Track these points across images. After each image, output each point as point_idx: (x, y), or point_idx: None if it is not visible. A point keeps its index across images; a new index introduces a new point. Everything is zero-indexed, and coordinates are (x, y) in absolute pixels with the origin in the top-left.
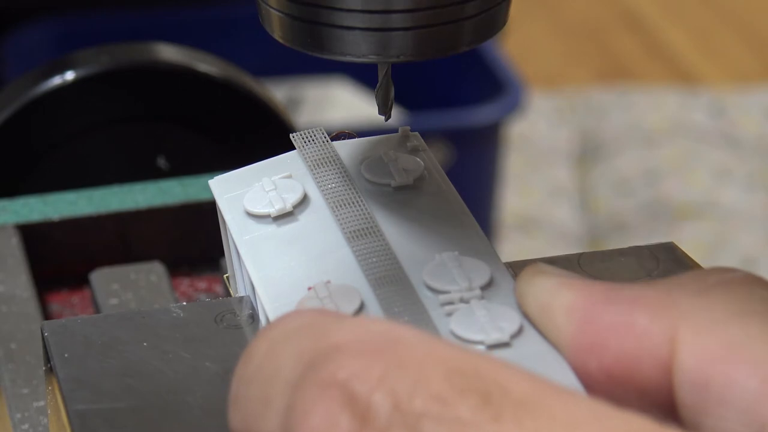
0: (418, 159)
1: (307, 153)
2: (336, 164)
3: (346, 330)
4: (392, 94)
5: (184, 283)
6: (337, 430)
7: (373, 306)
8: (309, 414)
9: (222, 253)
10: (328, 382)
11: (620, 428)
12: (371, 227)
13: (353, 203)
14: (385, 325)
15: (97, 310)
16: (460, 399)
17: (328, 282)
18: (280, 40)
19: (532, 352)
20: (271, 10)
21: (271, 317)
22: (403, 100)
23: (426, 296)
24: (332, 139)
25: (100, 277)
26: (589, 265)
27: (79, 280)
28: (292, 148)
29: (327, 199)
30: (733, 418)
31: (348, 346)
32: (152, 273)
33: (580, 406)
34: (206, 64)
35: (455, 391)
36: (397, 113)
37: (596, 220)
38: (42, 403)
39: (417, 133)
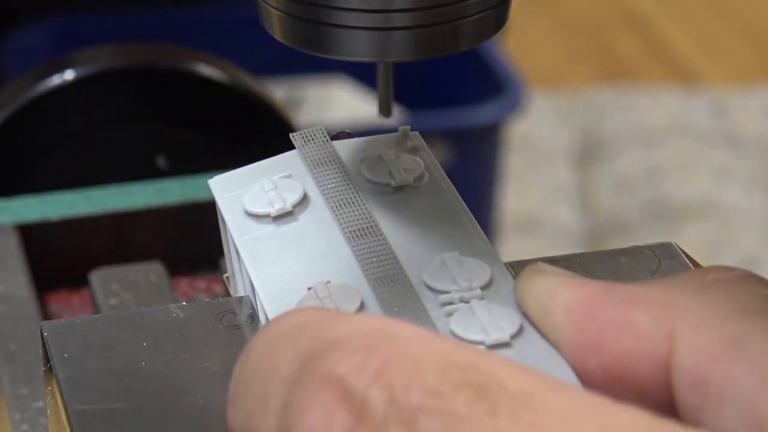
0: (418, 159)
1: (307, 153)
2: (336, 164)
3: (343, 327)
4: (392, 93)
5: (184, 283)
6: (333, 427)
7: (373, 306)
8: (305, 411)
9: (221, 253)
10: (325, 379)
11: (616, 421)
12: (371, 227)
13: (353, 203)
14: (382, 321)
15: (97, 311)
16: (456, 393)
17: (328, 282)
18: (281, 40)
19: (533, 352)
20: (272, 9)
21: (271, 317)
22: (403, 99)
23: (426, 296)
24: (332, 139)
25: (99, 277)
26: (590, 265)
27: (79, 281)
28: (292, 148)
29: (327, 198)
30: (732, 416)
31: (344, 343)
32: (152, 273)
33: (577, 399)
34: (206, 64)
35: (451, 385)
36: (397, 113)
37: (597, 220)
38: (41, 404)
39: (417, 132)
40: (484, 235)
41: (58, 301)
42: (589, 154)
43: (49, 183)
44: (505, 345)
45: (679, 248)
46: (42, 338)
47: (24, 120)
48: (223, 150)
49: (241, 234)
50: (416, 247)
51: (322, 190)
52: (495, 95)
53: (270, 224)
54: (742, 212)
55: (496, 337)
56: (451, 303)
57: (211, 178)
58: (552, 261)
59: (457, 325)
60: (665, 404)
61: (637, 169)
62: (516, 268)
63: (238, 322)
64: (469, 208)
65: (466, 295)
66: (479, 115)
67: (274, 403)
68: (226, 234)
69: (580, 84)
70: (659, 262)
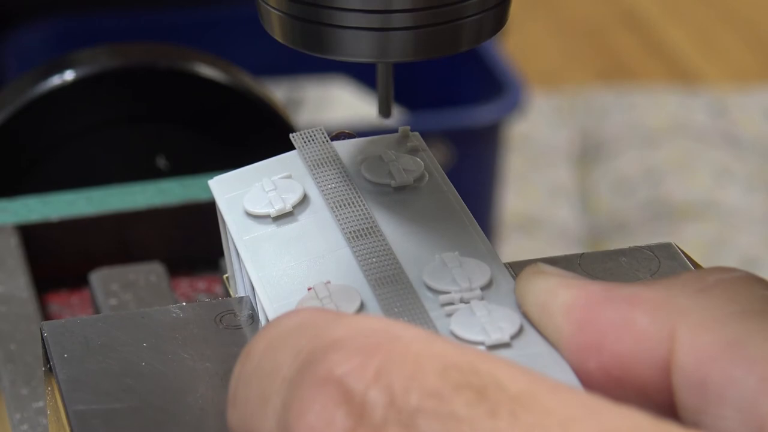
0: (418, 159)
1: (306, 153)
2: (336, 164)
3: (343, 327)
4: (392, 94)
5: (184, 284)
6: (333, 428)
7: (373, 306)
8: (305, 412)
9: (221, 254)
10: (325, 379)
11: (616, 423)
12: (371, 227)
13: (353, 203)
14: (382, 322)
15: (97, 311)
16: (456, 394)
17: (328, 282)
18: (281, 40)
19: (532, 352)
20: (271, 9)
21: (271, 318)
22: (403, 100)
23: (426, 296)
24: (332, 139)
25: (99, 277)
26: (590, 265)
27: (79, 281)
28: (292, 148)
29: (327, 199)
30: (732, 417)
31: (344, 343)
32: (152, 273)
33: (576, 401)
34: (206, 64)
35: (450, 387)
36: (397, 113)
37: (597, 220)
38: (41, 404)
39: (417, 133)
40: (484, 236)
41: (58, 302)
42: (589, 154)
43: (49, 183)
44: (505, 345)
45: (679, 248)
46: (42, 338)
47: (24, 120)
48: (223, 150)
49: (241, 234)
50: (416, 248)
51: (322, 191)
52: (495, 95)
53: (270, 225)
54: (742, 212)
55: (496, 337)
56: (451, 303)
57: (211, 178)
58: (552, 261)
59: (457, 326)
60: (665, 405)
61: (636, 169)
62: (516, 268)
63: (238, 322)
64: (469, 208)
65: (466, 295)
66: (479, 115)
67: (273, 403)
68: (226, 234)
69: (580, 84)
70: (659, 263)
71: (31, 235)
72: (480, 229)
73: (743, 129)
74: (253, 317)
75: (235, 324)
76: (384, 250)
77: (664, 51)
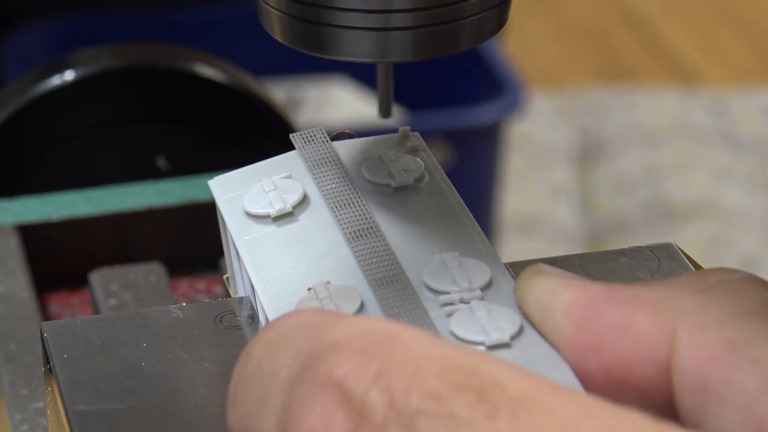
0: (418, 159)
1: (306, 153)
2: (336, 164)
3: (343, 329)
4: (392, 94)
5: (184, 284)
6: (332, 429)
7: (373, 306)
8: (305, 413)
9: (221, 254)
10: (324, 381)
11: (617, 425)
12: (371, 228)
13: (353, 203)
14: (382, 323)
15: (97, 311)
16: (456, 396)
17: (328, 282)
18: (281, 40)
19: (533, 352)
20: (271, 9)
21: (271, 318)
22: (403, 100)
23: (426, 297)
24: (332, 139)
25: (99, 277)
26: (590, 265)
27: (79, 281)
28: (292, 148)
29: (327, 199)
30: (732, 418)
31: (344, 345)
32: (152, 273)
33: (577, 402)
34: (206, 64)
35: (450, 388)
36: (397, 113)
37: (597, 220)
38: (41, 404)
39: (417, 133)
40: (484, 236)
41: (58, 302)
42: (589, 154)
43: (49, 183)
44: (504, 346)
45: (679, 249)
46: (42, 338)
47: (24, 120)
48: (223, 150)
49: (241, 235)
50: (416, 248)
51: (322, 191)
52: (495, 95)
53: (270, 225)
54: (742, 212)
55: (496, 337)
56: (451, 303)
57: (211, 178)
58: (552, 261)
59: (457, 326)
60: (665, 406)
61: (637, 169)
62: (516, 268)
63: (238, 322)
64: (469, 208)
65: (466, 295)
66: (479, 115)
67: (273, 404)
68: (226, 235)
69: (580, 84)
70: (659, 263)
71: (31, 236)
72: (480, 229)
73: (743, 129)
74: (253, 317)
75: (235, 324)
76: (384, 250)
77: (664, 51)
